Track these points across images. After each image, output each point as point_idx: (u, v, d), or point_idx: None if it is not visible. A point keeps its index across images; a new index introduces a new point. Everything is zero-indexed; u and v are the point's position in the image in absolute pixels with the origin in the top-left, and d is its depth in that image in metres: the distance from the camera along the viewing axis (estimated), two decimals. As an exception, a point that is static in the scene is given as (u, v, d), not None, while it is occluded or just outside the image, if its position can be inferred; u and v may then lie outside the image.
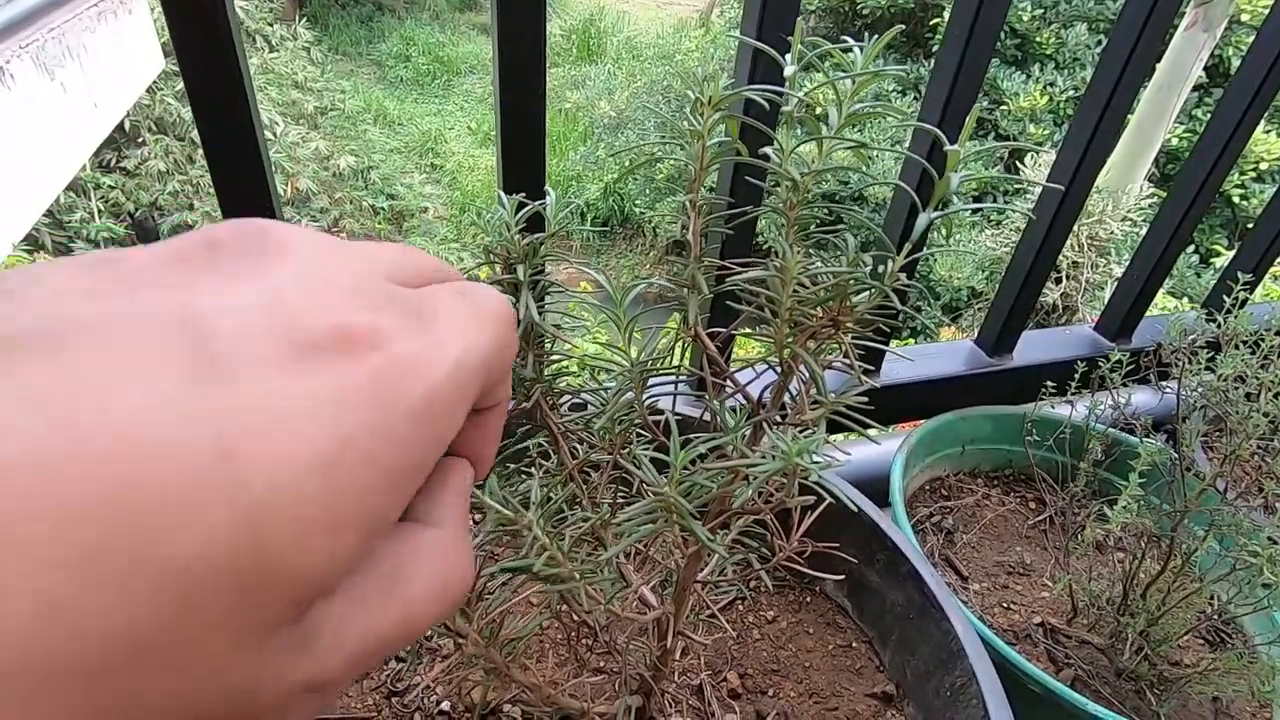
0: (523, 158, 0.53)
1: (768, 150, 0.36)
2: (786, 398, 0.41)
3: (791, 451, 0.31)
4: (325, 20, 8.57)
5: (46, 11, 2.91)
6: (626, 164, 6.28)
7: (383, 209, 6.00)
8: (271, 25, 6.59)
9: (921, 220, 0.30)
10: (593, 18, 8.87)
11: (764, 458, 0.33)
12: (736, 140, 0.36)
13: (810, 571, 0.39)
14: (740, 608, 0.63)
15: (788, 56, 0.34)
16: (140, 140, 4.84)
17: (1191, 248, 4.82)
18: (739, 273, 0.38)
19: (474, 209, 6.81)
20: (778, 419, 0.37)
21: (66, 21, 3.09)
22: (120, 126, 4.53)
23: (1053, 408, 0.84)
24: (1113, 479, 0.85)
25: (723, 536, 0.40)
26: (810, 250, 0.34)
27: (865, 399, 0.37)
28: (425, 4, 9.40)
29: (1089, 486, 0.77)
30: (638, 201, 6.49)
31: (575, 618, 0.47)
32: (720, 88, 0.33)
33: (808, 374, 0.35)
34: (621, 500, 0.43)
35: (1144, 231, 0.97)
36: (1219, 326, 0.61)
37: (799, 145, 0.34)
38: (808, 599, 0.65)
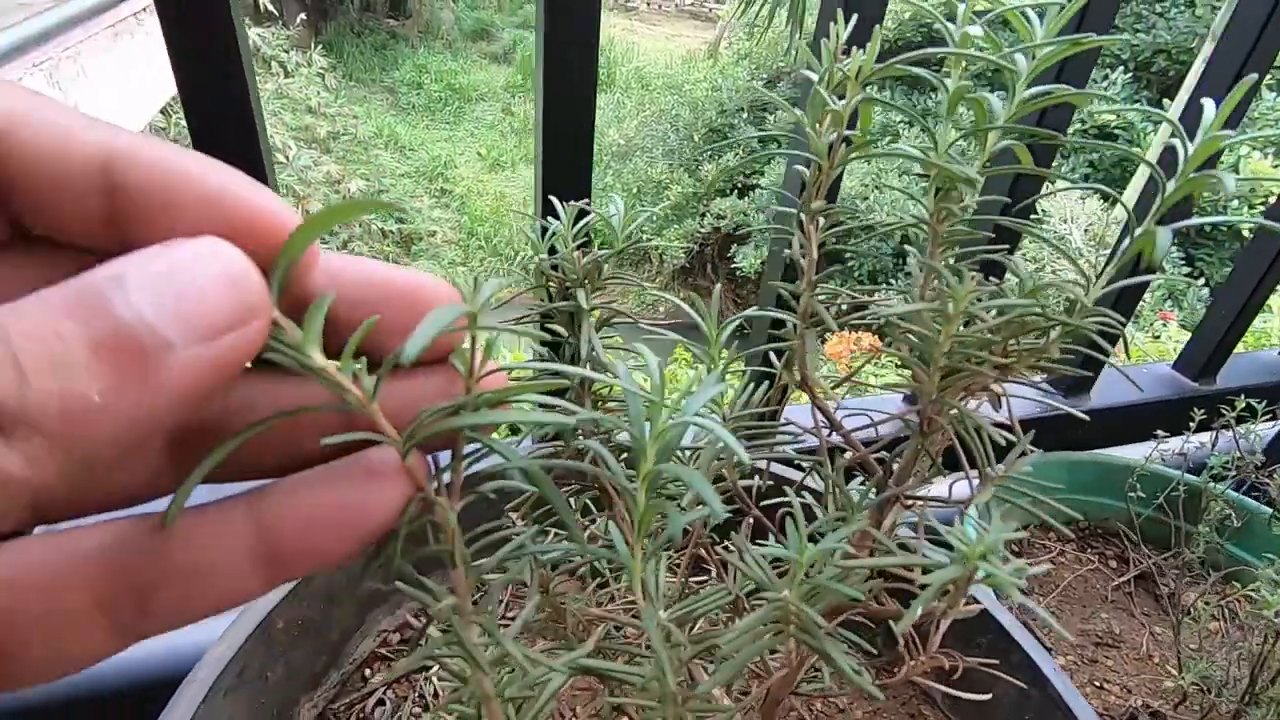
0: (568, 160, 0.45)
1: (906, 147, 0.28)
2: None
3: (973, 554, 0.22)
4: (340, 48, 8.70)
5: (63, 30, 2.90)
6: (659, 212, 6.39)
7: (392, 232, 6.02)
8: (288, 52, 6.67)
9: (1163, 239, 0.21)
10: (602, 48, 8.98)
11: (916, 552, 0.25)
12: (867, 130, 0.28)
13: (948, 690, 0.30)
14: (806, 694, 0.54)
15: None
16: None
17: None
18: (858, 303, 0.30)
19: (482, 233, 6.82)
20: (915, 497, 0.29)
21: (82, 41, 3.09)
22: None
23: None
24: (1194, 531, 0.75)
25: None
26: (976, 273, 0.25)
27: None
28: (439, 33, 9.55)
29: (1193, 551, 0.68)
30: (645, 229, 6.47)
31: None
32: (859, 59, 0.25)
33: (964, 436, 0.26)
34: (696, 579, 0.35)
35: None
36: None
37: (957, 139, 0.26)
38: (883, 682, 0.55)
